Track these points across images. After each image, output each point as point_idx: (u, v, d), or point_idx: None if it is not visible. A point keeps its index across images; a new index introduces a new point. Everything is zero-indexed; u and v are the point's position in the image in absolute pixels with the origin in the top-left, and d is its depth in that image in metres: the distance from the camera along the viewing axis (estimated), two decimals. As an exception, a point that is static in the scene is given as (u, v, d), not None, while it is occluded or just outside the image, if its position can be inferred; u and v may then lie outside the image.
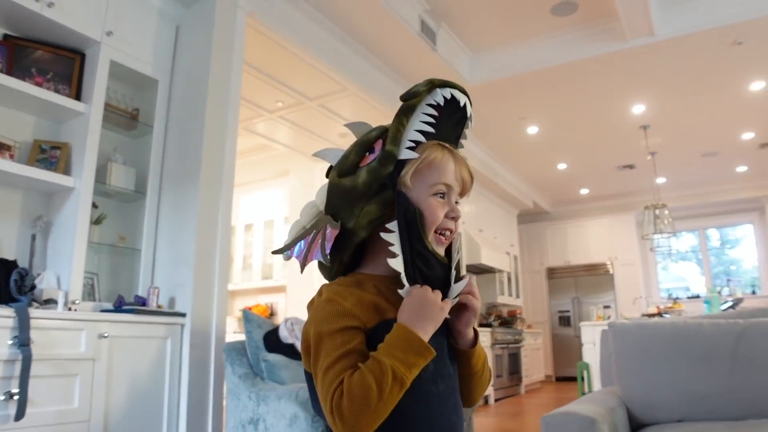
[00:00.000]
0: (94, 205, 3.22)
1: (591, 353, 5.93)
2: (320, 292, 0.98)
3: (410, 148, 0.97)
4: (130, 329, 2.96)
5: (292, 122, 5.80)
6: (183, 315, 3.21)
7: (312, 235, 1.02)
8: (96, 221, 3.28)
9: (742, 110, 6.62)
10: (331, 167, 1.09)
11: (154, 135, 3.54)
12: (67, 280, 2.94)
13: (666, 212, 7.37)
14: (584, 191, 10.13)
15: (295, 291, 6.84)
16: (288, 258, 1.06)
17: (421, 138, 0.98)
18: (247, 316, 3.06)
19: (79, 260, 3.00)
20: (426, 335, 0.91)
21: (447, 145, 1.02)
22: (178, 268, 3.33)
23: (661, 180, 8.99)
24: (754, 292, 9.88)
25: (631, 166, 8.62)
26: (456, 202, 1.02)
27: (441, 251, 0.99)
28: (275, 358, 2.88)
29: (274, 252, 1.09)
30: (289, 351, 2.97)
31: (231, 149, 3.59)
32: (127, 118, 3.52)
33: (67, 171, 3.11)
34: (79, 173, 3.09)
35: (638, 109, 6.52)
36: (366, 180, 0.98)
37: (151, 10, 3.60)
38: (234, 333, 6.80)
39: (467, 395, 1.08)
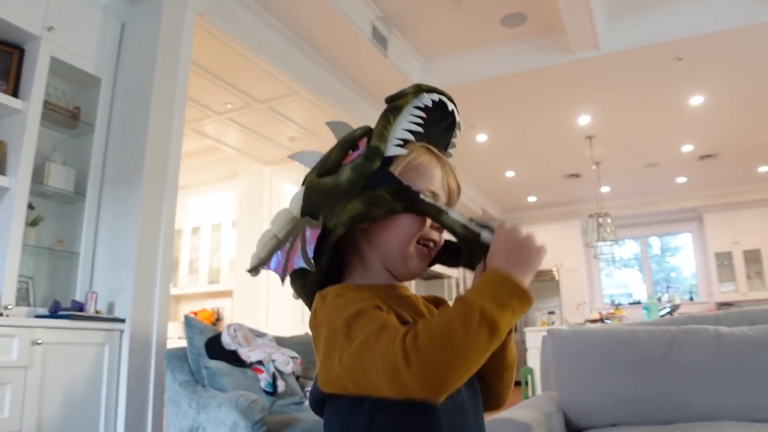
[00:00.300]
0: (31, 206, 3.10)
1: (535, 358, 6.04)
2: (323, 296, 0.88)
3: (398, 146, 0.92)
4: (66, 335, 2.86)
5: (241, 124, 5.73)
6: (122, 321, 3.13)
7: (289, 242, 0.94)
8: (32, 223, 3.17)
9: (683, 123, 6.87)
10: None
11: (96, 134, 3.44)
12: (-1, 284, 2.83)
13: (609, 220, 7.58)
14: (532, 199, 10.33)
15: (242, 296, 6.75)
16: (256, 273, 0.99)
17: (409, 137, 0.93)
18: (189, 322, 3.00)
19: (12, 263, 2.88)
20: (525, 282, 0.80)
21: (435, 150, 0.98)
22: (118, 272, 3.24)
23: (605, 189, 9.25)
24: (691, 299, 10.24)
25: (576, 175, 8.83)
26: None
27: (424, 265, 0.94)
28: (217, 365, 2.84)
29: (250, 270, 0.99)
30: (231, 358, 2.93)
31: (176, 150, 3.52)
32: (67, 117, 3.41)
33: (1, 170, 2.99)
34: (14, 173, 2.98)
35: (584, 119, 6.69)
36: (350, 177, 0.91)
37: (96, 6, 3.50)
38: (179, 339, 6.64)
39: (498, 393, 1.00)
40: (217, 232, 7.62)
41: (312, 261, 0.89)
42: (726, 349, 1.98)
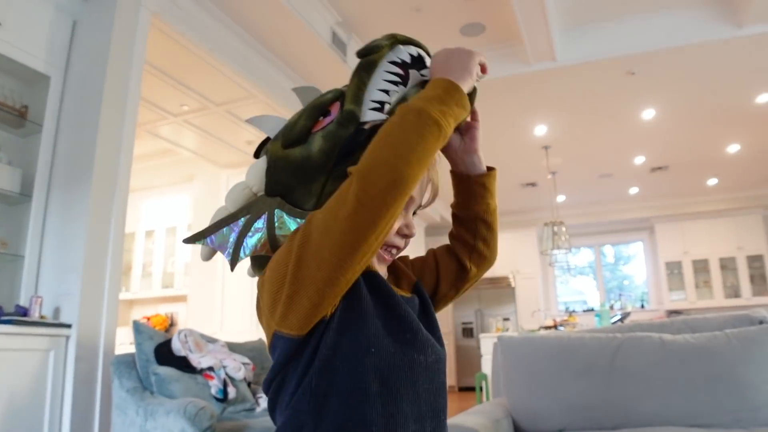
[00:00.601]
0: (-28, 207, 3.00)
1: (490, 364, 6.10)
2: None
3: (375, 109, 0.82)
4: (8, 341, 2.76)
5: (197, 127, 5.65)
6: (68, 326, 3.03)
7: (244, 220, 0.84)
8: (-26, 224, 3.06)
9: (635, 136, 7.05)
10: (263, 144, 0.92)
11: (44, 134, 3.34)
12: (-64, 288, 2.72)
13: (563, 229, 7.71)
14: (490, 207, 10.43)
15: (197, 301, 6.64)
16: (192, 243, 0.87)
17: (386, 98, 0.83)
18: (138, 327, 2.94)
19: (-49, 266, 2.78)
20: (461, 84, 0.80)
21: None
22: (64, 276, 3.15)
23: (561, 198, 9.42)
24: (643, 306, 10.49)
25: (533, 184, 8.97)
26: (414, 213, 0.92)
27: (383, 271, 0.87)
28: (166, 371, 2.78)
29: (186, 240, 0.88)
30: (181, 364, 2.87)
31: (127, 152, 3.44)
32: (14, 116, 3.30)
33: (-59, 169, 2.89)
34: (-45, 172, 2.87)
35: (540, 130, 6.81)
36: (323, 147, 0.81)
37: (46, 3, 3.40)
38: (131, 344, 6.50)
39: (492, 240, 1.01)
40: (172, 235, 7.48)
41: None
42: (669, 356, 2.03)
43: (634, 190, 9.47)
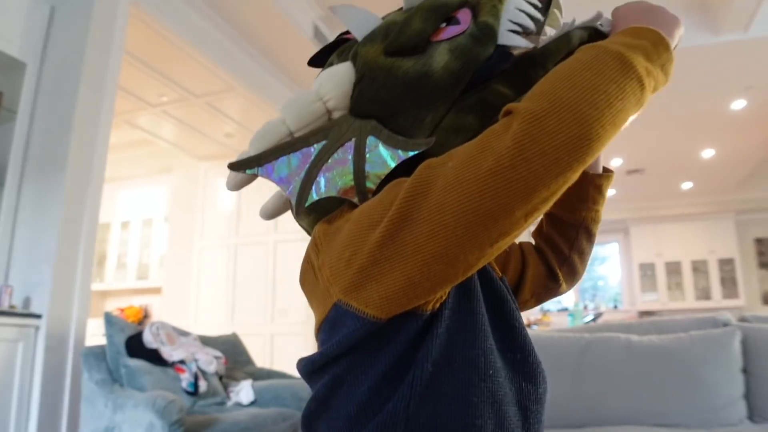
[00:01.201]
0: (-58, 194, 2.95)
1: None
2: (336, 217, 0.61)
3: (514, 32, 0.63)
4: (-24, 330, 2.73)
5: (176, 118, 5.60)
6: (38, 316, 3.00)
7: (318, 147, 0.61)
8: (-57, 211, 3.01)
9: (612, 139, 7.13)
10: (334, 46, 0.73)
11: (18, 122, 3.29)
12: None
13: (540, 229, 7.79)
14: (468, 205, 10.49)
15: (172, 293, 6.59)
16: (239, 170, 0.63)
17: (528, 23, 0.63)
18: (109, 319, 2.92)
19: None
20: None
21: None
22: (36, 265, 3.11)
23: (538, 198, 9.49)
24: (616, 307, 10.63)
25: (512, 184, 9.03)
26: None
27: None
28: (136, 363, 2.76)
29: (233, 165, 0.63)
30: (152, 356, 2.86)
31: (103, 141, 3.41)
32: (-13, 102, 3.26)
33: None
34: (-76, 158, 2.82)
35: (519, 130, 6.85)
36: (450, 65, 0.60)
37: (22, -12, 3.36)
38: (104, 336, 6.44)
39: (588, 255, 0.83)
40: (148, 227, 7.41)
41: (369, 191, 0.59)
42: (635, 356, 2.06)
43: (610, 192, 9.51)
